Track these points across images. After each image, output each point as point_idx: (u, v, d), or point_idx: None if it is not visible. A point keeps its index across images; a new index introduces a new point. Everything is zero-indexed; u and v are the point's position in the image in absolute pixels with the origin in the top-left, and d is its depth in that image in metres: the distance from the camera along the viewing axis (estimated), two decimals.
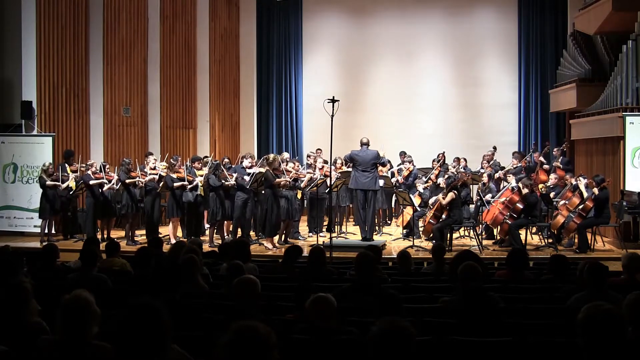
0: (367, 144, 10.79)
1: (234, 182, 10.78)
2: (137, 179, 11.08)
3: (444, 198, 10.21)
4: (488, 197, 10.97)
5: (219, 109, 16.29)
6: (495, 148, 14.13)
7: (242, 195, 10.93)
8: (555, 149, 13.36)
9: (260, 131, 17.32)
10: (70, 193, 11.31)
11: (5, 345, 3.24)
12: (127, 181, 11.01)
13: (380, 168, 11.48)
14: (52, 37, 12.22)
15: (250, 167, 11.45)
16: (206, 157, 12.58)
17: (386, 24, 16.72)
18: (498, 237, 10.82)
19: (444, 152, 13.53)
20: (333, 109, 8.80)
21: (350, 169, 11.86)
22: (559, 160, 12.82)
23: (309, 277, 5.76)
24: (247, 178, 10.85)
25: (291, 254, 6.63)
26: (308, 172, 11.74)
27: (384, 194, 12.43)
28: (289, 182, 10.70)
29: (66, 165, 11.57)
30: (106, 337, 3.16)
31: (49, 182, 10.94)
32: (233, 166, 11.76)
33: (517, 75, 16.37)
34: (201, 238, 10.62)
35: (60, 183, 11.07)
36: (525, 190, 10.18)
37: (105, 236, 11.30)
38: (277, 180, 10.36)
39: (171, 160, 11.44)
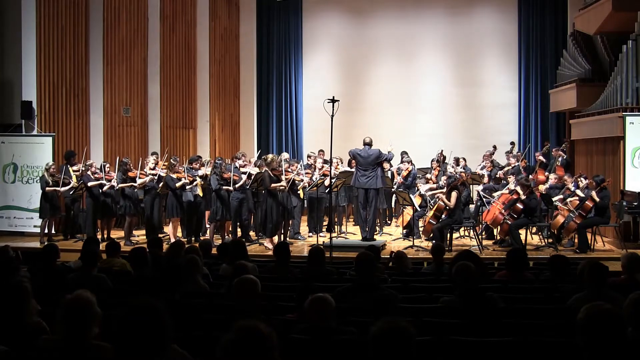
0: (370, 144, 10.75)
1: (231, 186, 10.80)
2: (136, 179, 11.07)
3: (447, 199, 10.17)
4: (495, 193, 11.00)
5: (219, 109, 16.29)
6: (495, 147, 14.12)
7: (237, 196, 10.94)
8: (554, 150, 13.33)
9: (260, 131, 17.32)
10: (71, 193, 11.31)
11: (5, 345, 3.24)
12: (123, 185, 11.04)
13: (385, 165, 11.48)
14: (52, 37, 12.22)
15: (243, 167, 11.45)
16: (199, 157, 12.58)
17: (386, 24, 16.72)
18: (498, 237, 10.81)
19: (442, 150, 13.51)
20: (333, 109, 8.80)
21: (349, 169, 11.87)
22: (559, 160, 12.81)
23: (310, 277, 5.75)
24: (243, 177, 10.89)
25: (282, 253, 6.46)
26: (307, 173, 11.73)
27: (384, 194, 12.42)
28: (285, 187, 10.70)
29: (68, 166, 11.55)
30: (106, 337, 3.16)
31: (48, 188, 10.93)
32: (228, 166, 11.77)
33: (517, 75, 16.36)
34: (201, 238, 10.63)
35: (60, 187, 11.03)
36: (523, 191, 10.16)
37: (105, 236, 11.32)
38: (273, 185, 10.38)
39: (171, 160, 11.43)
